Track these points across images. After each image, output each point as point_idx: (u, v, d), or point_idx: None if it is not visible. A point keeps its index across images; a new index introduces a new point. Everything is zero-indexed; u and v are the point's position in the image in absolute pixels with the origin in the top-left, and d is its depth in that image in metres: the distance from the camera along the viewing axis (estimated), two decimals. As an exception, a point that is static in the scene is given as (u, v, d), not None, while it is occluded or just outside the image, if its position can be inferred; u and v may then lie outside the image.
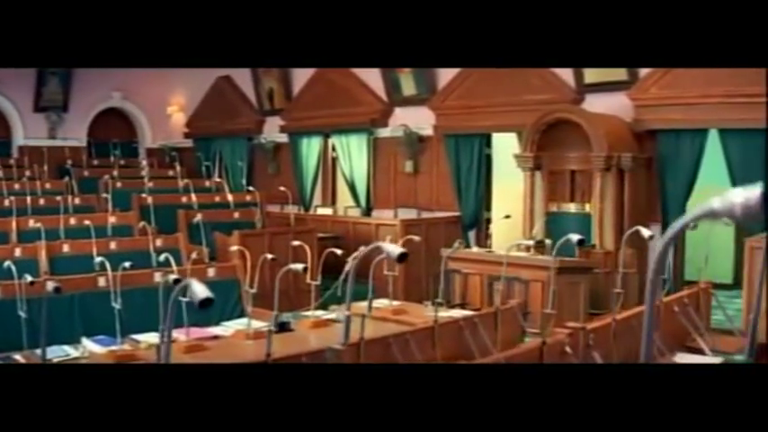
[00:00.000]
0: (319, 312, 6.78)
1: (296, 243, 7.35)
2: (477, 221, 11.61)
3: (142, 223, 8.27)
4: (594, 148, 8.77)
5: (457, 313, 6.96)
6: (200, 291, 2.43)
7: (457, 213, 11.64)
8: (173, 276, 4.71)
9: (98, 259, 5.48)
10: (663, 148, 9.20)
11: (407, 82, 12.31)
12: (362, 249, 6.20)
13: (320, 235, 10.72)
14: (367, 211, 12.95)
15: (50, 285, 3.98)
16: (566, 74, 10.14)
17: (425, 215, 12.01)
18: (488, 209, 11.76)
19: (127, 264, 5.29)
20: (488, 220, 11.67)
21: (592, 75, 9.79)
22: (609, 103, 9.50)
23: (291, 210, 12.27)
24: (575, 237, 4.24)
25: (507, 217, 9.45)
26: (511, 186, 11.73)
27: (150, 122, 17.04)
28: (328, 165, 14.31)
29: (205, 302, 2.45)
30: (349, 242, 11.05)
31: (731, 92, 8.28)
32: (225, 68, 15.04)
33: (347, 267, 7.05)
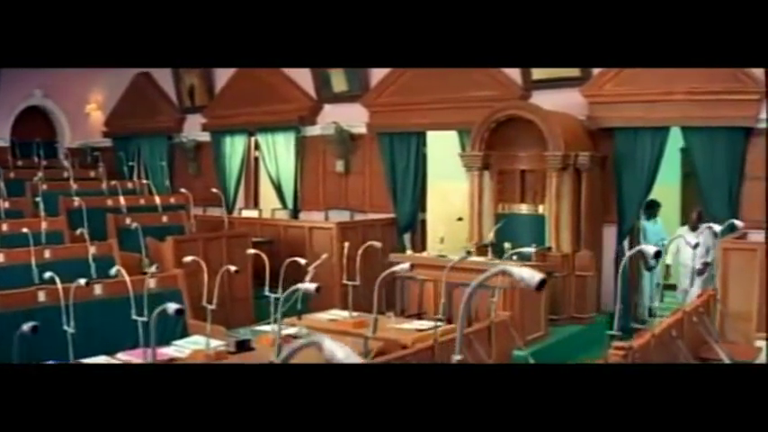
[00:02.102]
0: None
1: (251, 251, 6.80)
2: (413, 223, 11.18)
3: (80, 230, 7.57)
4: (550, 147, 8.39)
5: (419, 324, 6.54)
6: (342, 355, 1.78)
7: (392, 215, 11.18)
8: (173, 306, 4.03)
9: (48, 274, 4.82)
10: (620, 147, 8.93)
11: (338, 78, 11.79)
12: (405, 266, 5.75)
13: (253, 239, 10.12)
14: (294, 213, 12.39)
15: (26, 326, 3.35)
16: (512, 70, 9.78)
17: (358, 217, 11.52)
18: (423, 210, 11.35)
19: (82, 281, 4.64)
20: (423, 222, 11.29)
21: (540, 71, 9.44)
22: (558, 100, 9.14)
23: (218, 212, 11.65)
24: (651, 248, 3.70)
25: (460, 219, 9.09)
26: (446, 187, 11.41)
27: (69, 121, 16.10)
28: (251, 165, 13.64)
29: None
30: (281, 247, 10.52)
31: (695, 89, 8.08)
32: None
33: (308, 277, 6.58)
